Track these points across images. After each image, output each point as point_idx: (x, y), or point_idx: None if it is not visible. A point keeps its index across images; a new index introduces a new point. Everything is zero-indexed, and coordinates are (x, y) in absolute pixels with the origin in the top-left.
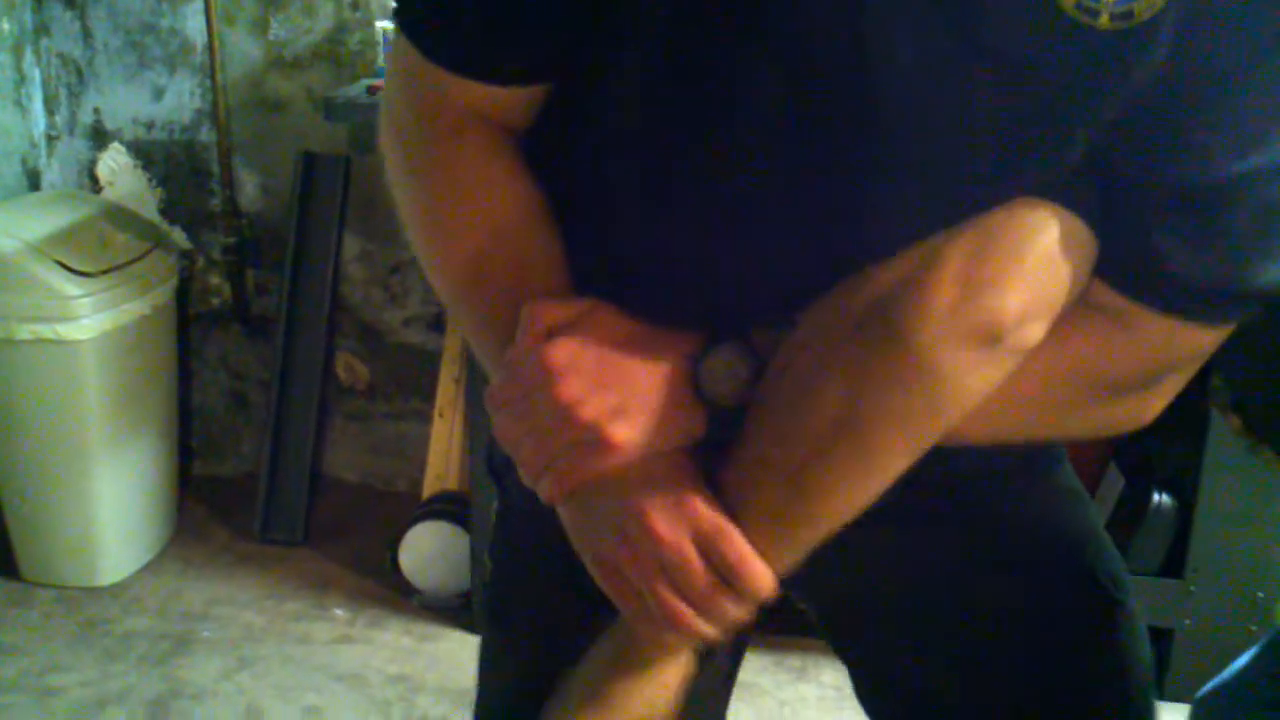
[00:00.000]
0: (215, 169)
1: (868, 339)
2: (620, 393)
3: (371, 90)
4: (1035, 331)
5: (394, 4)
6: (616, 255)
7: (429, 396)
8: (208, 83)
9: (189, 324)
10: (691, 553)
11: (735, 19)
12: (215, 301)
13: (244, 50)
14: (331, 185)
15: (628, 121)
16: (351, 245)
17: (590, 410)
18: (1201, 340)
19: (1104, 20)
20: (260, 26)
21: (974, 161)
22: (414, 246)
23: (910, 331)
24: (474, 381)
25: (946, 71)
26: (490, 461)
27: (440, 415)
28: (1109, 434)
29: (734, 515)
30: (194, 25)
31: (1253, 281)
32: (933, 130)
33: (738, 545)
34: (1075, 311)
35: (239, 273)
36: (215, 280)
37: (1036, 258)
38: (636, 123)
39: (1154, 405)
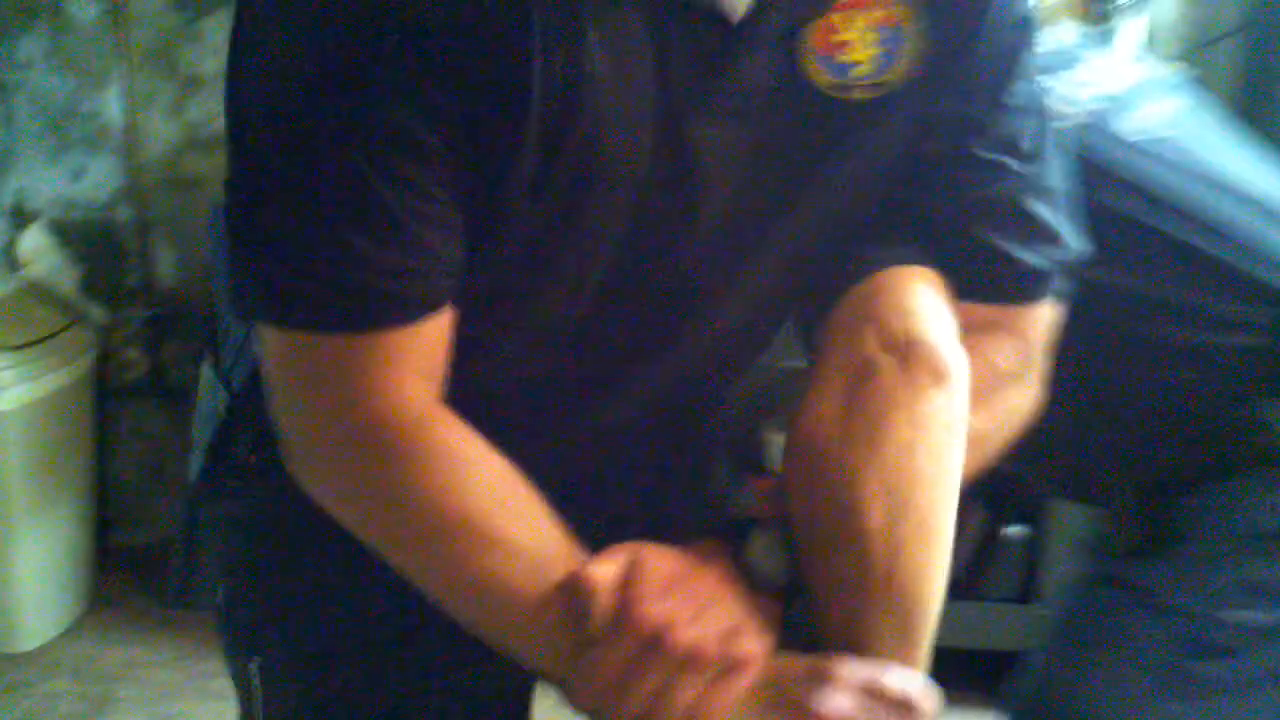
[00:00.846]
0: (133, 246)
1: (909, 392)
2: (715, 614)
3: None
4: (963, 362)
5: (260, 308)
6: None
7: None
8: (126, 163)
9: (107, 396)
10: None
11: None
12: (133, 374)
13: (161, 131)
14: None
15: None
16: None
17: (712, 644)
18: (1049, 315)
19: (857, 94)
20: (177, 109)
21: (794, 241)
22: (396, 558)
23: (952, 368)
24: None
25: (745, 164)
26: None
27: None
28: (1016, 431)
29: (861, 654)
30: (114, 109)
31: (1068, 251)
32: (748, 221)
33: (897, 685)
34: (970, 335)
35: (156, 346)
36: (133, 354)
37: (933, 301)
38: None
39: (1038, 392)
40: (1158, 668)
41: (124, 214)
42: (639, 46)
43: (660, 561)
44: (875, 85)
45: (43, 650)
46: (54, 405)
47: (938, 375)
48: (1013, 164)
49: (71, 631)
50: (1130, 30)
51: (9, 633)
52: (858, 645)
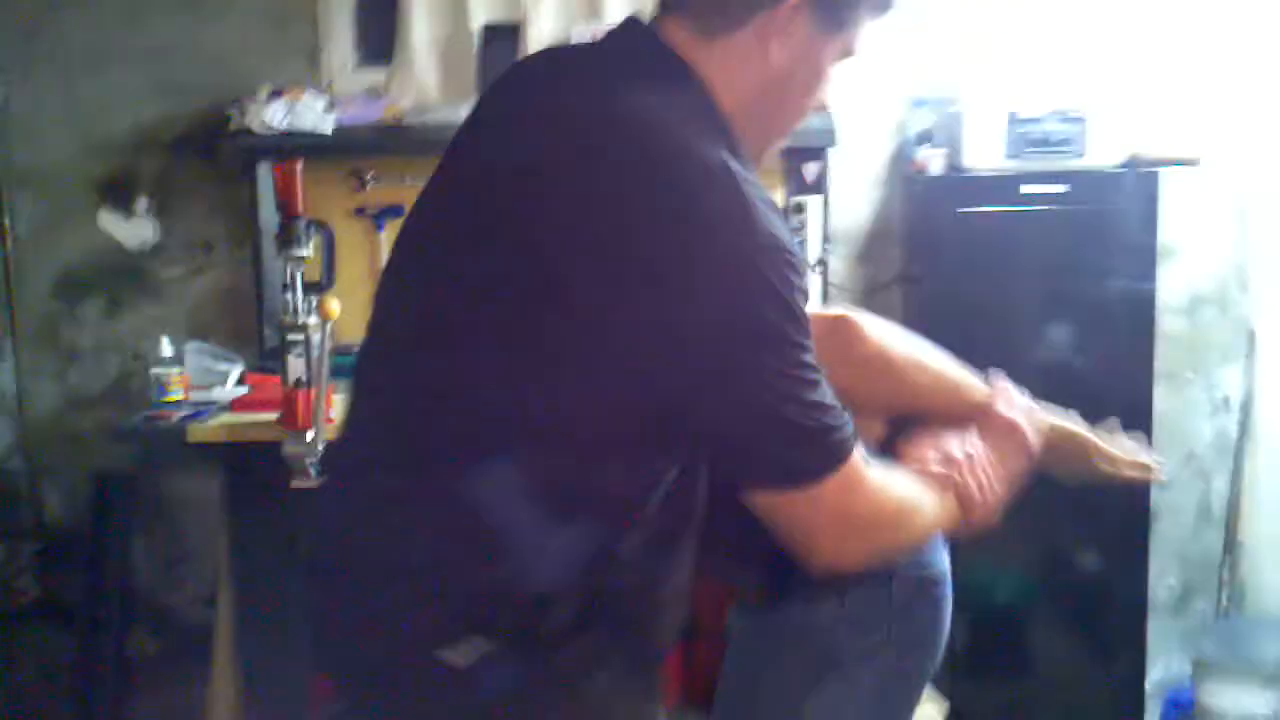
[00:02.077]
0: (24, 491)
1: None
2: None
3: (149, 419)
4: None
5: (822, 460)
6: None
7: (208, 661)
8: (17, 422)
9: (3, 617)
10: None
11: None
12: (25, 598)
13: (47, 394)
14: (121, 497)
15: None
16: (139, 543)
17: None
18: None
19: None
20: (60, 376)
21: None
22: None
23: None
24: (245, 648)
25: None
26: None
27: (217, 675)
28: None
29: None
30: (5, 378)
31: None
32: None
33: None
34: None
35: (46, 573)
36: (25, 581)
37: None
38: None
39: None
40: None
41: (16, 464)
42: None
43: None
44: None
45: None
46: None
47: None
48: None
49: None
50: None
51: None
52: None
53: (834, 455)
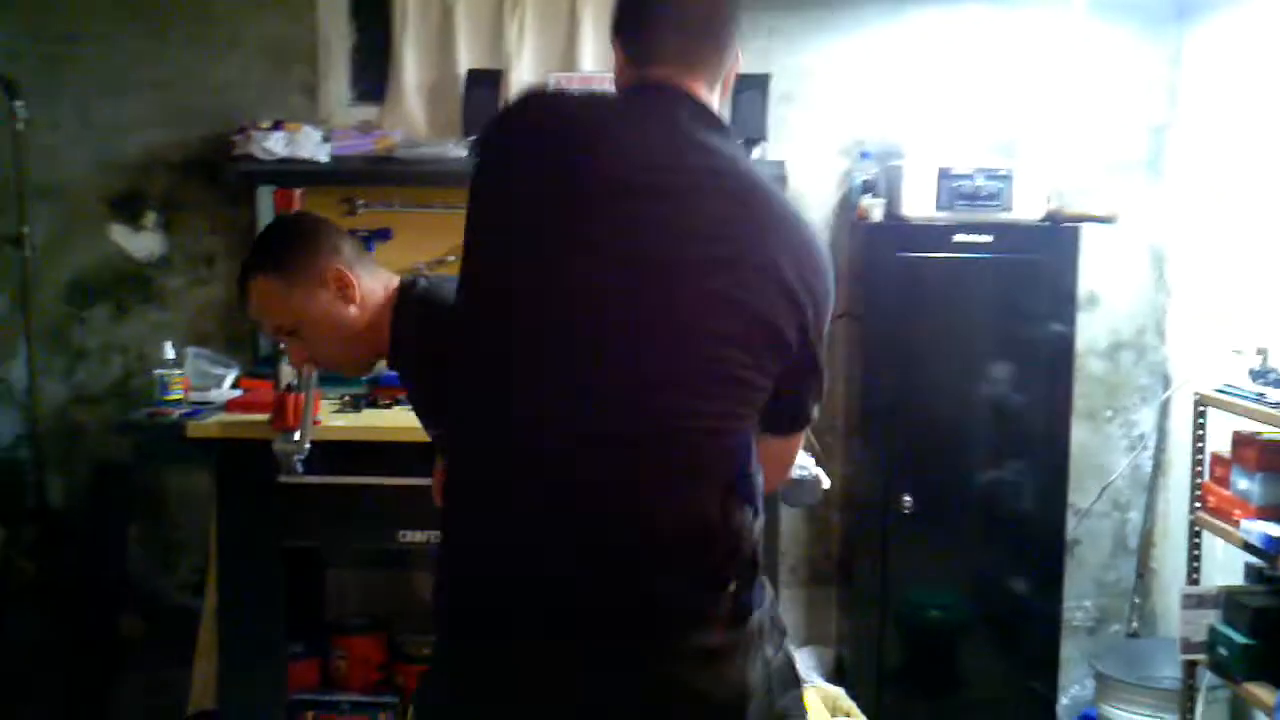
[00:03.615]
0: (29, 478)
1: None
2: None
3: (151, 415)
4: None
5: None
6: None
7: (193, 642)
8: (26, 415)
9: (2, 595)
10: None
11: None
12: (23, 578)
13: (55, 391)
14: (119, 487)
15: None
16: (134, 531)
17: None
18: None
19: None
20: (68, 374)
21: None
22: None
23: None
24: (227, 631)
25: None
26: None
27: (200, 656)
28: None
29: None
30: (18, 375)
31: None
32: None
33: None
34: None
35: (44, 555)
36: (23, 562)
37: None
38: None
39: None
40: None
41: (23, 453)
42: None
43: None
44: None
45: None
46: None
47: None
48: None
49: None
50: None
51: None
52: None
53: None
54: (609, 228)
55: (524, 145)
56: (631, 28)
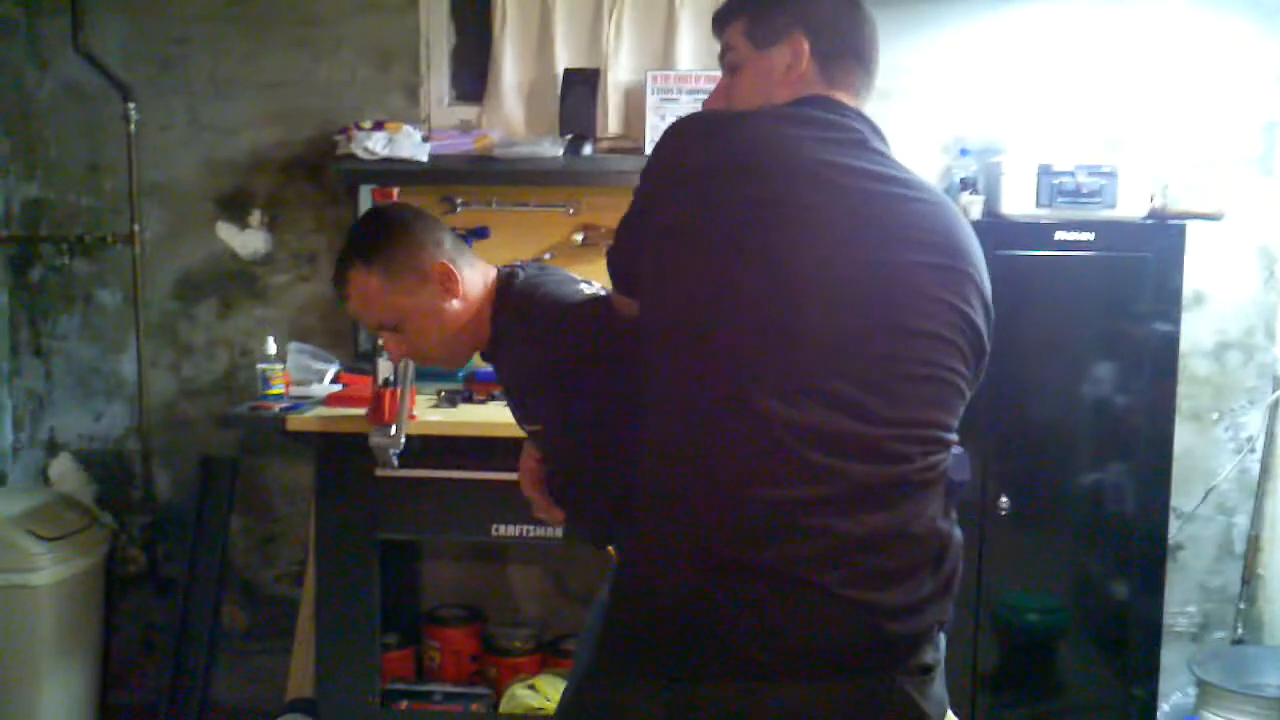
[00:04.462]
0: (138, 470)
1: None
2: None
3: (254, 409)
4: None
5: None
6: None
7: (291, 633)
8: (135, 408)
9: (113, 584)
10: None
11: None
12: (133, 567)
13: (163, 384)
14: (223, 480)
15: None
16: (236, 522)
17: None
18: None
19: None
20: (175, 368)
21: None
22: None
23: None
24: (324, 622)
25: None
26: None
27: (299, 645)
28: None
29: None
30: (128, 368)
31: None
32: None
33: None
34: None
35: (152, 545)
36: (134, 551)
37: None
38: None
39: None
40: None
41: (132, 445)
42: None
43: None
44: None
45: None
46: (74, 586)
47: None
48: None
49: None
50: None
51: None
52: None
53: None
54: (841, 238)
55: (732, 163)
56: (850, 52)
